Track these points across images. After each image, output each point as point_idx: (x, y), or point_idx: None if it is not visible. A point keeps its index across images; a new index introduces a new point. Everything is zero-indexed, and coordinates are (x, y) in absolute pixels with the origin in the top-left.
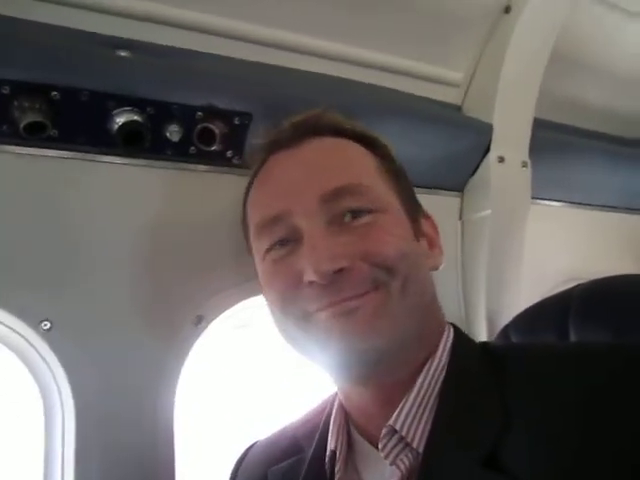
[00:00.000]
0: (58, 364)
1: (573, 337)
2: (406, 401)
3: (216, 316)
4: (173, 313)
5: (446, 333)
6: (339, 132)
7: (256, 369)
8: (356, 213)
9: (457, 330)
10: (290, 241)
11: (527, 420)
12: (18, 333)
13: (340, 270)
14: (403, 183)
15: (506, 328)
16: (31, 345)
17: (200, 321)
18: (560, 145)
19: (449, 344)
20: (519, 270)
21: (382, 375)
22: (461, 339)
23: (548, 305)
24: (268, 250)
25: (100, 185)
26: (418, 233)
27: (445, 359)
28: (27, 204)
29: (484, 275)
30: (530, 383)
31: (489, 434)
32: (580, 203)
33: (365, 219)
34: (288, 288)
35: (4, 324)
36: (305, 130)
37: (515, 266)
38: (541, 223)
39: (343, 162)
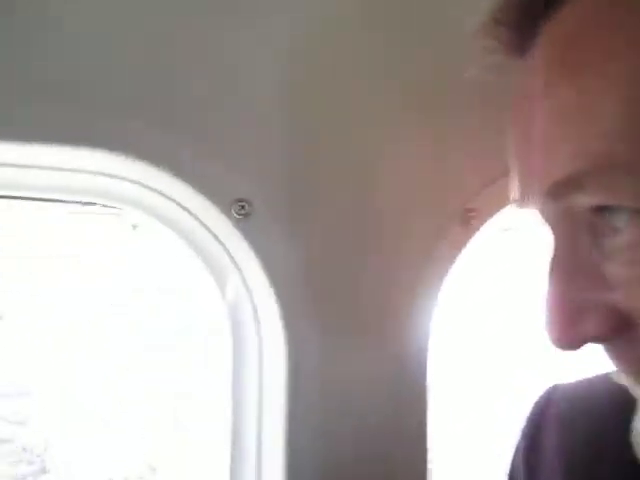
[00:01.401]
0: (257, 264)
1: None
2: None
3: (491, 213)
4: (434, 206)
5: None
6: None
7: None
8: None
9: None
10: None
11: None
12: (202, 223)
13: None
14: None
15: None
16: (218, 240)
17: (470, 219)
18: None
19: None
20: None
21: None
22: None
23: None
24: None
25: None
26: None
27: None
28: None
29: None
30: None
31: None
32: None
33: (621, 238)
34: None
35: (188, 210)
36: None
37: None
38: None
39: (582, 109)
